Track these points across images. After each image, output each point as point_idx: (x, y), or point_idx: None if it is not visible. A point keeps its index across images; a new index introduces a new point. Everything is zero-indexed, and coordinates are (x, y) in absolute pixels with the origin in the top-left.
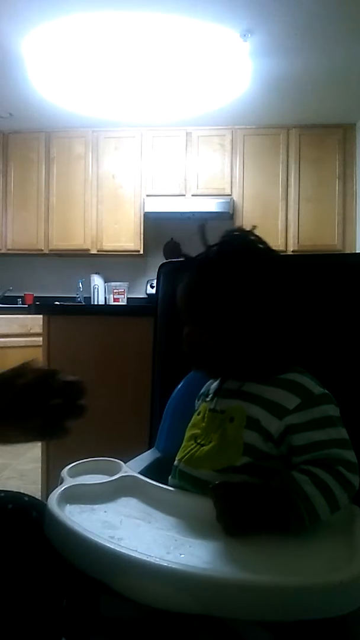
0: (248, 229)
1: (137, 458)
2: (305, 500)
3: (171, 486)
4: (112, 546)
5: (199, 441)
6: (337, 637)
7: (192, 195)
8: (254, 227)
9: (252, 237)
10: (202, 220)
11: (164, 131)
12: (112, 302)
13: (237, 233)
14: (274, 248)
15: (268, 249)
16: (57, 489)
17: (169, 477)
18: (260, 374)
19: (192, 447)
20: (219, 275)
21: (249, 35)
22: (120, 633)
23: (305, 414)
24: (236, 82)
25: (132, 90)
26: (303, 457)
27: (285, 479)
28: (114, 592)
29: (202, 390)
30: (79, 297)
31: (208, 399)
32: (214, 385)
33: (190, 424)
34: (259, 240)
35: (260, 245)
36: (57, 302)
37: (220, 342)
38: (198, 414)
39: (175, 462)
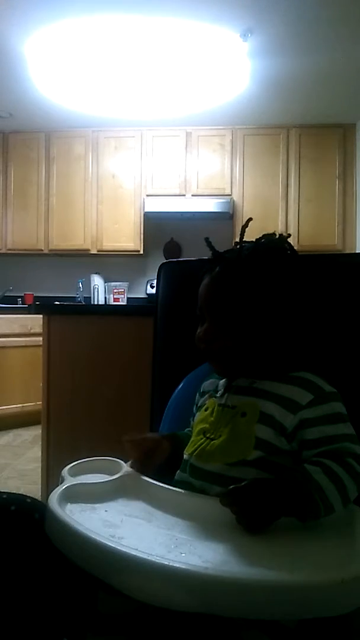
0: (283, 234)
1: None
2: (319, 491)
3: (179, 480)
4: (112, 545)
5: (208, 435)
6: (338, 636)
7: (192, 195)
8: (289, 235)
9: (285, 242)
10: (202, 220)
11: (164, 131)
12: (112, 302)
13: (271, 235)
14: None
15: (294, 253)
16: (57, 488)
17: (178, 471)
18: (275, 373)
19: (201, 441)
20: (251, 277)
21: (249, 35)
22: (117, 630)
23: (318, 409)
24: (236, 82)
25: (132, 90)
26: (315, 450)
27: (299, 471)
28: (111, 589)
29: (205, 387)
30: (79, 297)
31: (218, 395)
32: (222, 382)
33: (197, 420)
34: (289, 245)
35: (289, 251)
36: (57, 302)
37: (240, 344)
38: (206, 410)
39: (186, 457)
